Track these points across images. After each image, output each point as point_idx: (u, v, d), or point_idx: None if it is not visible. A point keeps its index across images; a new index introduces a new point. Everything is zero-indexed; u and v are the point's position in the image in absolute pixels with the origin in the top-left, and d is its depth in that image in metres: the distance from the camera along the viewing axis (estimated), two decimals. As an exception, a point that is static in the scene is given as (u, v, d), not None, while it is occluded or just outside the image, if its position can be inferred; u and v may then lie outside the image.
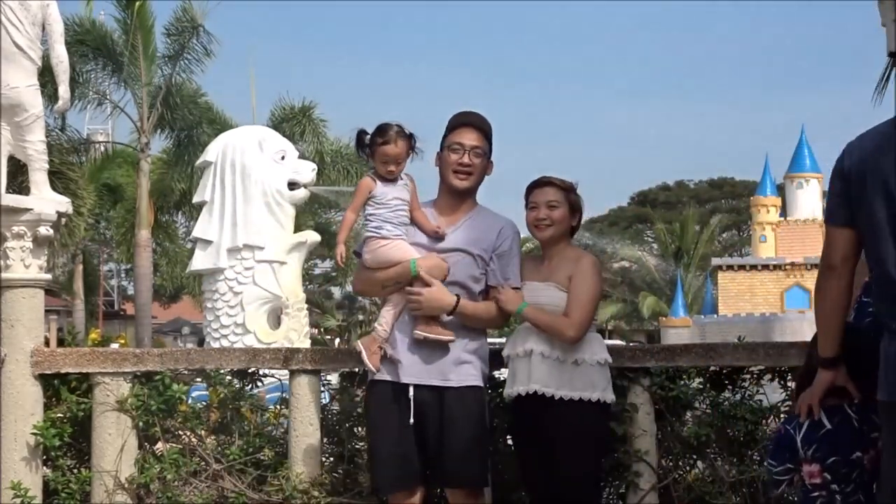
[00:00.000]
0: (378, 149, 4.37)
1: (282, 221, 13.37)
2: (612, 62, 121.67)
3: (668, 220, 48.19)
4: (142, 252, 24.09)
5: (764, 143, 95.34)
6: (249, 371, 5.36)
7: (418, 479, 4.37)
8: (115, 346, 14.23)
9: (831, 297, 3.44)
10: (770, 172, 35.10)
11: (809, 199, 33.71)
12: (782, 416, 4.86)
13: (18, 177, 6.28)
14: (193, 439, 5.33)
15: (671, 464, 5.02)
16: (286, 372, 5.23)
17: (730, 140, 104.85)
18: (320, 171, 17.97)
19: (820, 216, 33.55)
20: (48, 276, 5.63)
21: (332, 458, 5.22)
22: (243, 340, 12.73)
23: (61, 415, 5.39)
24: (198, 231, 13.58)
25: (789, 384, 4.96)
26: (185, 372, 5.40)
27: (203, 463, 5.25)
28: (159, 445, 5.32)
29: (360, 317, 44.86)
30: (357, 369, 5.14)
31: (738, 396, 5.00)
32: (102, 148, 28.19)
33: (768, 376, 5.02)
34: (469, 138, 4.42)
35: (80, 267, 34.46)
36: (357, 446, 5.16)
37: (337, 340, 38.85)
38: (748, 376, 5.03)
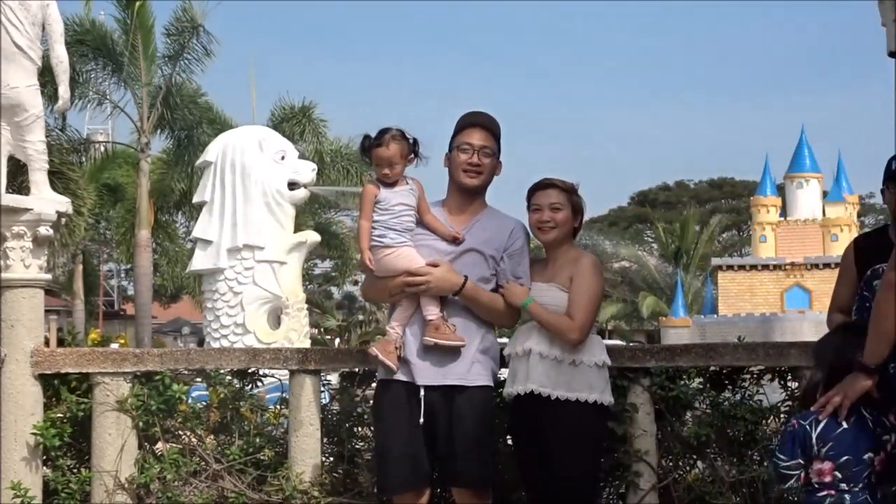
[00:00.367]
0: (372, 152, 4.38)
1: (282, 221, 13.35)
2: (613, 62, 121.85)
3: (668, 220, 48.22)
4: (142, 252, 24.07)
5: (764, 143, 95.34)
6: (249, 371, 5.36)
7: (427, 479, 4.37)
8: (114, 346, 14.25)
9: None
10: (770, 172, 35.14)
11: (809, 199, 33.70)
12: (782, 416, 4.87)
13: (18, 177, 6.28)
14: (193, 439, 5.33)
15: (671, 464, 5.02)
16: (286, 372, 5.24)
17: (730, 140, 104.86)
18: (320, 171, 17.95)
19: (820, 216, 33.55)
20: (48, 276, 5.64)
21: (332, 458, 5.22)
22: (243, 340, 12.71)
23: (61, 415, 5.40)
24: (198, 231, 13.56)
25: (789, 384, 4.96)
26: (185, 372, 5.40)
27: (203, 463, 5.25)
28: (159, 445, 5.32)
29: (360, 317, 44.86)
30: (357, 369, 5.15)
31: (737, 396, 5.00)
32: (102, 148, 28.17)
33: (768, 376, 5.02)
34: (478, 138, 4.42)
35: (80, 267, 34.42)
36: (357, 446, 5.16)
37: (337, 340, 38.83)
38: (748, 376, 5.03)
